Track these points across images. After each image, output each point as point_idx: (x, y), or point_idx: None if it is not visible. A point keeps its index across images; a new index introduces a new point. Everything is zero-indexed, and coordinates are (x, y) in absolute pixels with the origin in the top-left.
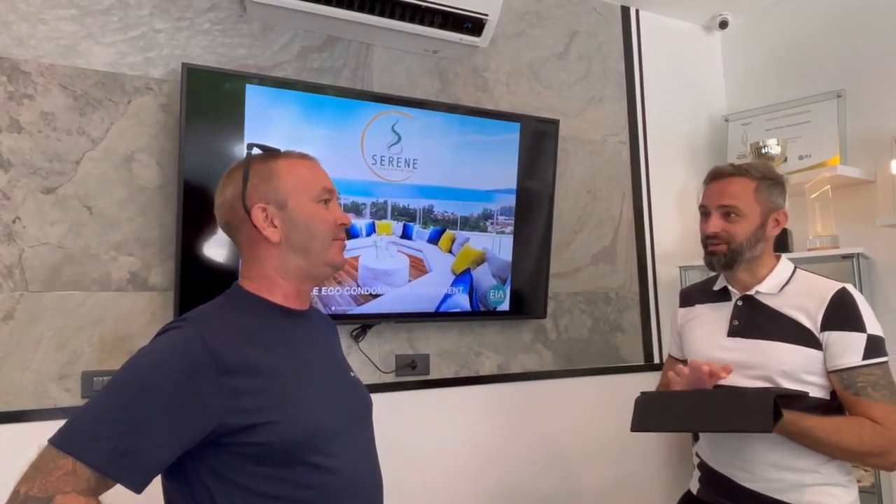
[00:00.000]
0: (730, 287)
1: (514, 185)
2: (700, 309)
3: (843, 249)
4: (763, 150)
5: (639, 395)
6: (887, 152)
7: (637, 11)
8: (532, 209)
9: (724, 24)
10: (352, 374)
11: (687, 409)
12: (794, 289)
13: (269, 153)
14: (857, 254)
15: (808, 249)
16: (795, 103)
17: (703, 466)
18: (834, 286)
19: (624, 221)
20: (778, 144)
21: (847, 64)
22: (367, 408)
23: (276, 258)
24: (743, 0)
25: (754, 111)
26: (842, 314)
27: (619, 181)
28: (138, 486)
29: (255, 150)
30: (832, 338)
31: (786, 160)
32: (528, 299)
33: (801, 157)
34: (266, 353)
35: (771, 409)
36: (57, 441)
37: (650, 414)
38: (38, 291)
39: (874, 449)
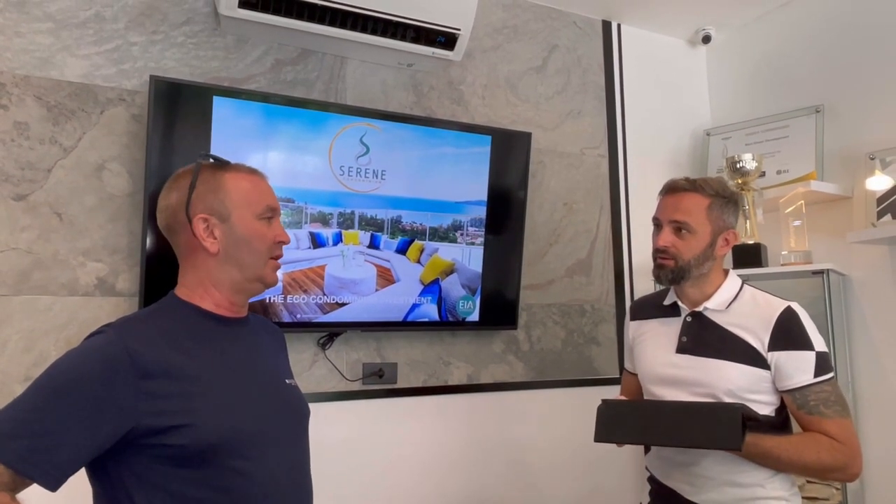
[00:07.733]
0: (679, 302)
1: (484, 197)
2: (651, 324)
3: (814, 265)
4: (738, 165)
5: (601, 403)
6: (863, 168)
7: (619, 26)
8: (503, 221)
9: (707, 39)
10: (288, 381)
11: (653, 422)
12: (740, 306)
13: (219, 164)
14: (827, 269)
15: (782, 264)
16: (775, 118)
17: (652, 480)
18: (779, 305)
19: (601, 234)
20: (754, 159)
21: (826, 79)
22: (301, 416)
23: (212, 268)
24: (725, 15)
25: (735, 125)
26: (789, 334)
27: (597, 194)
28: (52, 485)
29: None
30: (782, 358)
31: (763, 175)
32: (499, 310)
33: (779, 172)
34: (188, 358)
35: (740, 427)
36: None
37: (615, 425)
38: (7, 295)
39: (834, 464)
